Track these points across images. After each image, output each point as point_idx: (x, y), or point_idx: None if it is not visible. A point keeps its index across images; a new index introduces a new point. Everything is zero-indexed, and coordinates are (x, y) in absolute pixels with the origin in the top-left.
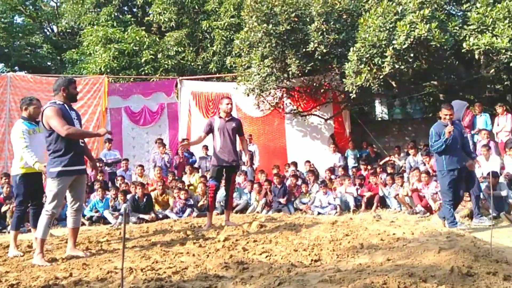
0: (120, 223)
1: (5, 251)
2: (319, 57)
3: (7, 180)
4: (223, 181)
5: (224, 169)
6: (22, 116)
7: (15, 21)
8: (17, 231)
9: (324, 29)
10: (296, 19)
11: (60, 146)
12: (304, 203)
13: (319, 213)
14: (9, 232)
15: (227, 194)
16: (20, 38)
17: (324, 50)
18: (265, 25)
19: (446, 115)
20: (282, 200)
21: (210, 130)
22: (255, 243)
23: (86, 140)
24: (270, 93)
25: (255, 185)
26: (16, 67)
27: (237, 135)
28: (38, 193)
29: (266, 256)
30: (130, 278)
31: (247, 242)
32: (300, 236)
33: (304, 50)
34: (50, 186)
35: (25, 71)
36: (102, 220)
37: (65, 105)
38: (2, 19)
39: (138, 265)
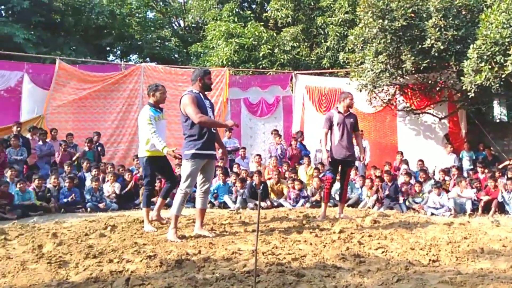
0: (238, 207)
1: (141, 225)
2: (436, 54)
3: (138, 161)
4: (338, 175)
5: (341, 163)
6: (149, 102)
7: (147, 16)
8: (148, 208)
9: (442, 25)
10: (412, 15)
11: (195, 132)
12: (417, 203)
13: (432, 214)
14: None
15: (342, 188)
16: (151, 32)
17: (442, 47)
18: (380, 20)
19: None
20: (393, 198)
21: (331, 124)
22: (370, 238)
23: None
24: (383, 89)
25: (367, 181)
26: (147, 58)
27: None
28: (169, 171)
29: (382, 252)
30: (252, 260)
31: (362, 236)
32: (416, 235)
33: (420, 46)
34: (184, 167)
35: (155, 62)
36: (223, 204)
37: (201, 94)
38: (137, 14)
39: (259, 249)
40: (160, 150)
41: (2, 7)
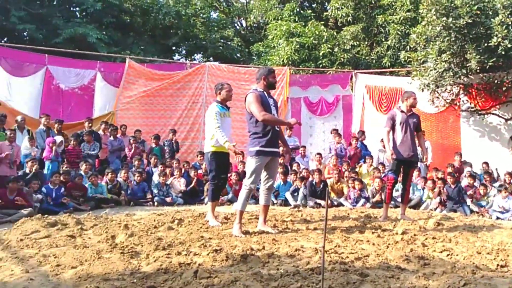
0: (299, 205)
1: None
2: (502, 53)
3: (202, 157)
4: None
5: (404, 163)
6: (216, 100)
7: (211, 17)
8: (214, 202)
9: (510, 23)
10: (478, 12)
11: (259, 129)
12: (481, 206)
13: (497, 218)
14: (205, 204)
15: (404, 189)
16: (215, 32)
17: (509, 45)
18: (444, 18)
19: None
20: (457, 200)
21: (393, 124)
22: (434, 240)
23: None
24: (446, 89)
25: (429, 182)
26: (211, 58)
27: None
28: (225, 171)
29: (447, 255)
30: (315, 258)
31: (426, 238)
32: (482, 239)
33: (485, 44)
34: (249, 164)
35: (218, 62)
36: (284, 202)
37: (265, 92)
38: (201, 15)
39: (321, 248)
40: (222, 145)
41: (77, 8)
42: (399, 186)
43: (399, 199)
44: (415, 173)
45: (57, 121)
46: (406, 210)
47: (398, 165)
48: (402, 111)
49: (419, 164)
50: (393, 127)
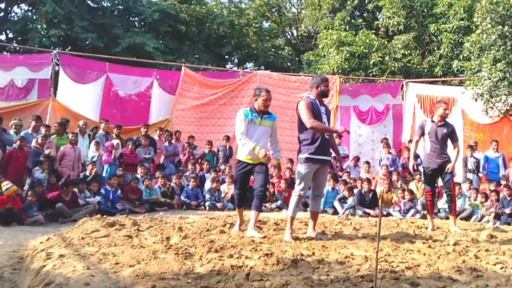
0: (347, 214)
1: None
2: None
3: None
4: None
5: (436, 172)
6: (251, 107)
7: (263, 26)
8: (240, 209)
9: None
10: None
11: (308, 136)
12: None
13: None
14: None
15: (450, 199)
16: (266, 41)
17: None
18: (500, 27)
19: None
20: (507, 210)
21: (422, 133)
22: (487, 253)
23: None
24: (500, 99)
25: (481, 194)
26: (262, 66)
27: (449, 141)
28: (246, 180)
29: (501, 268)
30: (365, 265)
31: (479, 250)
32: None
33: None
34: (299, 170)
35: (270, 70)
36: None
37: (317, 100)
38: (254, 24)
39: (372, 255)
40: (250, 151)
41: (136, 18)
42: None
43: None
44: (466, 185)
45: (116, 126)
46: (458, 221)
47: (428, 175)
48: (432, 121)
49: (470, 175)
50: (422, 136)
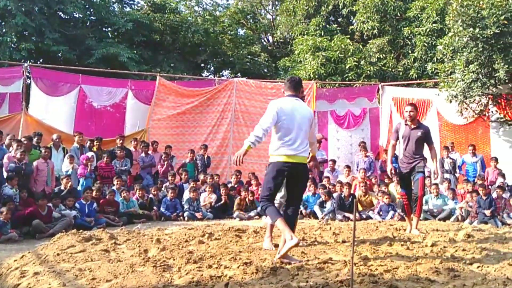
0: (327, 219)
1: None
2: None
3: (239, 176)
4: None
5: (408, 175)
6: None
7: (238, 33)
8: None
9: None
10: (505, 22)
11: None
12: (511, 218)
13: None
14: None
15: (416, 199)
16: (242, 48)
17: None
18: (471, 29)
19: None
20: (487, 212)
21: (397, 136)
22: (464, 252)
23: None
24: (474, 100)
25: (464, 195)
26: (238, 74)
27: (424, 144)
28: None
29: (478, 267)
30: (345, 270)
31: (456, 250)
32: None
33: None
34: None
35: (246, 77)
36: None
37: None
38: (229, 32)
39: (350, 260)
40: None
41: (109, 29)
42: (428, 197)
43: (429, 212)
44: (445, 185)
45: (96, 138)
46: (436, 222)
47: (402, 179)
48: (406, 124)
49: (448, 175)
50: (397, 140)
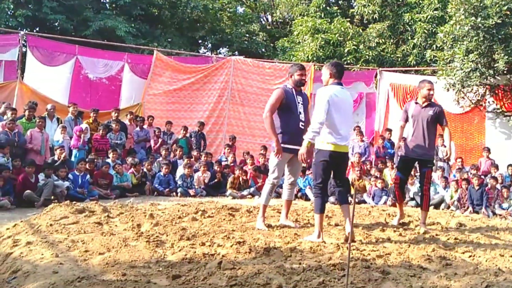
0: None
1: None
2: None
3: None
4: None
5: (414, 162)
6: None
7: (237, 11)
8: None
9: None
10: (508, 13)
11: (281, 125)
12: (503, 209)
13: None
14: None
15: (421, 193)
16: (241, 26)
17: None
18: (473, 18)
19: None
20: (479, 202)
21: (407, 117)
22: (456, 241)
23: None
24: (472, 89)
25: (453, 183)
26: (236, 52)
27: (437, 124)
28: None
29: (470, 256)
30: (337, 254)
31: (448, 239)
32: (505, 241)
33: None
34: (272, 159)
35: (244, 56)
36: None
37: (293, 89)
38: (228, 9)
39: (344, 243)
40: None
41: (107, 1)
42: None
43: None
44: (439, 172)
45: (93, 110)
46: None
47: (404, 163)
48: (416, 103)
49: (441, 163)
50: (407, 120)
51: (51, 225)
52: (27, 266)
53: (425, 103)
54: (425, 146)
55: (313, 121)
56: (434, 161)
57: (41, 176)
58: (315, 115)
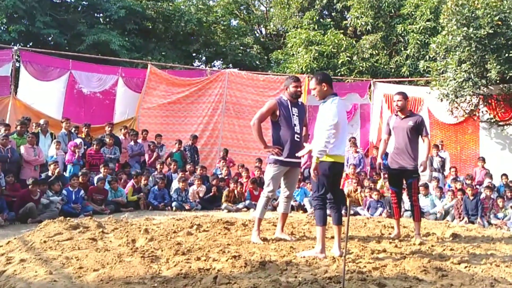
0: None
1: (225, 225)
2: None
3: (224, 163)
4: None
5: (400, 173)
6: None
7: (231, 24)
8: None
9: None
10: (499, 23)
11: (276, 138)
12: (498, 218)
13: None
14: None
15: (411, 203)
16: (235, 39)
17: None
18: (465, 28)
19: None
20: (474, 212)
21: (389, 130)
22: (452, 252)
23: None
24: (465, 99)
25: (449, 193)
26: (230, 65)
27: (418, 137)
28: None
29: (465, 267)
30: (333, 266)
31: (444, 250)
32: (500, 251)
33: (506, 55)
34: (268, 172)
35: (238, 68)
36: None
37: (288, 101)
38: (222, 22)
39: (340, 257)
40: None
41: (101, 15)
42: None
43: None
44: (434, 183)
45: (85, 124)
46: (424, 220)
47: (391, 176)
48: (396, 115)
49: (436, 174)
50: (390, 134)
51: (45, 241)
52: (20, 284)
53: (404, 115)
54: (407, 157)
55: (324, 136)
56: (429, 171)
57: (49, 193)
58: (326, 130)
